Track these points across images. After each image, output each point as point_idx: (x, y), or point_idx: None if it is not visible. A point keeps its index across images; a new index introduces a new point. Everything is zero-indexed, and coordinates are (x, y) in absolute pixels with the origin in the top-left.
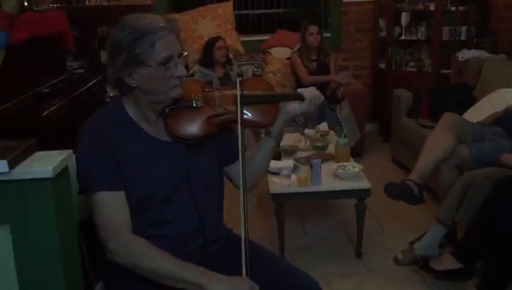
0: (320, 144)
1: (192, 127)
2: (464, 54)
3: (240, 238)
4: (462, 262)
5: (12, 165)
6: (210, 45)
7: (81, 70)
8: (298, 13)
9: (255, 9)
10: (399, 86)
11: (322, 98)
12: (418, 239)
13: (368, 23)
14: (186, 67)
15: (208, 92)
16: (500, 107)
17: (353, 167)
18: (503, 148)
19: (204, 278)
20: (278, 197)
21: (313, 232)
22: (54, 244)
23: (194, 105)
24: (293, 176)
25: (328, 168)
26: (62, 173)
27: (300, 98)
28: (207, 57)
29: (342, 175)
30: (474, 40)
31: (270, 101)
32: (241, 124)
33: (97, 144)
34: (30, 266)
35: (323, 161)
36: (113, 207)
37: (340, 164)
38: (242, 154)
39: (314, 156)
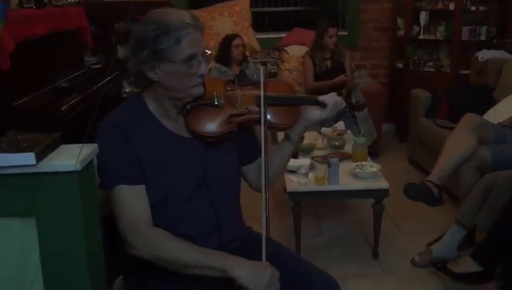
0: (337, 143)
1: (213, 125)
2: (484, 55)
3: (259, 235)
4: (482, 265)
5: (39, 158)
6: (227, 43)
7: (99, 66)
8: (315, 11)
9: (271, 6)
10: (417, 85)
11: (344, 105)
12: (436, 241)
13: (385, 22)
14: None
15: (230, 91)
16: None
17: (371, 166)
18: None
19: (228, 263)
20: (295, 196)
21: (329, 232)
22: (79, 238)
23: (216, 103)
24: (310, 175)
25: (345, 167)
26: (88, 166)
27: (322, 104)
28: (224, 54)
29: (359, 175)
30: (495, 41)
31: (291, 104)
32: (264, 124)
33: (117, 138)
34: (54, 259)
35: (340, 160)
36: (133, 201)
37: (357, 163)
38: (265, 153)
39: (332, 155)
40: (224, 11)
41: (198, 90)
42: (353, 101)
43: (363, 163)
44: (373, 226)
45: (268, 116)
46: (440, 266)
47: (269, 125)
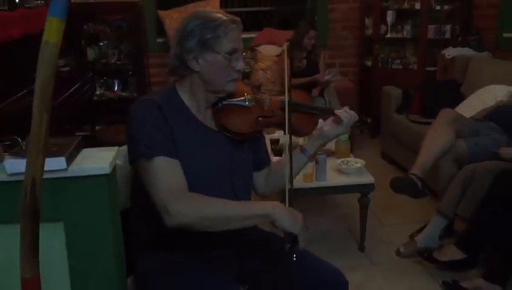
0: None
1: (243, 124)
2: (450, 52)
3: (268, 233)
4: (466, 253)
5: (69, 162)
6: None
7: (67, 68)
8: (285, 11)
9: (241, 7)
10: (385, 83)
11: (357, 118)
12: (418, 232)
13: (353, 21)
14: None
15: (258, 94)
16: (489, 103)
17: (356, 162)
18: (498, 141)
19: (269, 208)
20: (284, 195)
21: (315, 227)
22: (108, 242)
23: (246, 103)
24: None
25: (330, 164)
26: (113, 169)
27: (333, 114)
28: None
29: (345, 170)
30: (459, 38)
31: (311, 113)
32: (289, 124)
33: (157, 115)
34: (83, 262)
35: None
36: (173, 170)
37: (342, 159)
38: (290, 153)
39: (319, 153)
40: None
41: (233, 86)
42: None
43: (348, 159)
44: (359, 220)
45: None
46: (426, 255)
47: (293, 130)
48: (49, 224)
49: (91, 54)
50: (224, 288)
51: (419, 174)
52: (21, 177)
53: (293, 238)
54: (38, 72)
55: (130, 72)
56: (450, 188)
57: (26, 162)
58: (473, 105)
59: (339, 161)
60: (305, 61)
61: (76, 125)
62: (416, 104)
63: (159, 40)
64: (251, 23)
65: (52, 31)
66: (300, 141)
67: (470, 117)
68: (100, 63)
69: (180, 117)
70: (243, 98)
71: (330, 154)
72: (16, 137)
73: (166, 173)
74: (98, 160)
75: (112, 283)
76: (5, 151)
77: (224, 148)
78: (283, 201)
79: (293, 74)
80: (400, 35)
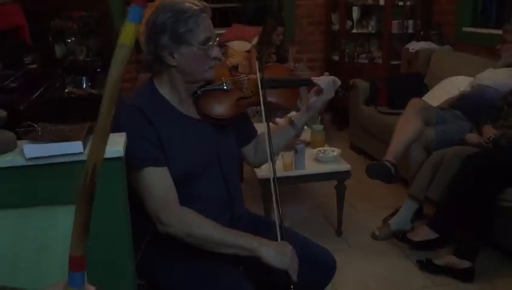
0: None
1: (224, 108)
2: (414, 46)
3: (256, 216)
4: (437, 232)
5: (85, 146)
6: None
7: (35, 66)
8: (252, 7)
9: (209, 2)
10: (352, 76)
11: (339, 82)
12: (391, 216)
13: (319, 17)
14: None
15: (236, 76)
16: (453, 92)
17: (332, 151)
18: (463, 128)
19: (255, 243)
20: (265, 182)
21: (292, 216)
22: (123, 224)
23: (225, 87)
24: (278, 162)
25: (307, 153)
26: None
27: (312, 83)
28: None
29: (323, 159)
30: (422, 33)
31: (290, 86)
32: (264, 104)
33: (140, 122)
34: (99, 245)
35: None
36: (161, 181)
37: (319, 148)
38: (269, 136)
39: (298, 142)
40: None
41: (211, 73)
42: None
43: (324, 148)
44: (336, 206)
45: (271, 99)
46: (400, 236)
47: (273, 106)
48: (66, 206)
49: (59, 51)
50: (221, 270)
51: (393, 161)
52: (38, 162)
53: (283, 272)
54: (111, 70)
55: (99, 69)
56: (420, 173)
57: (90, 149)
58: (437, 95)
59: (315, 150)
60: (274, 57)
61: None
62: (383, 96)
63: None
64: (220, 19)
65: (128, 35)
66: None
67: (436, 106)
68: (68, 60)
69: (163, 115)
70: (220, 82)
71: (306, 144)
72: (30, 123)
73: (156, 184)
74: (111, 144)
75: (125, 259)
76: (19, 138)
77: (209, 134)
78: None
79: None
80: (365, 31)
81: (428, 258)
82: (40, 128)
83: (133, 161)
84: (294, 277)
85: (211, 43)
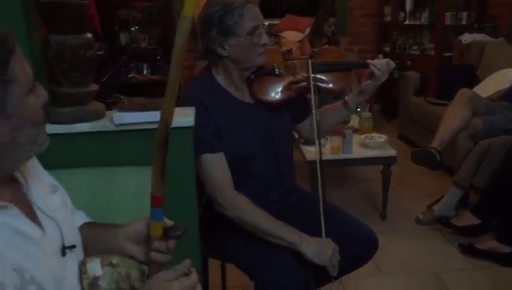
0: None
1: (276, 93)
2: (467, 38)
3: (309, 194)
4: (480, 218)
5: None
6: None
7: (101, 52)
8: None
9: None
10: (403, 68)
11: (393, 64)
12: (435, 203)
13: (371, 9)
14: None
15: (288, 61)
16: (504, 84)
17: (379, 137)
18: (511, 119)
19: (298, 239)
20: (313, 164)
21: (339, 198)
22: (191, 184)
23: (277, 72)
24: (326, 146)
25: (354, 139)
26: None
27: (365, 64)
28: None
29: (370, 144)
30: (475, 25)
31: (342, 69)
32: (313, 88)
33: (199, 112)
34: (170, 206)
35: None
36: (217, 167)
37: (366, 134)
38: (316, 121)
39: (347, 127)
40: None
41: (262, 59)
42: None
43: (372, 134)
44: (382, 190)
45: (323, 81)
46: (444, 221)
47: (324, 90)
48: (141, 167)
49: (123, 39)
50: (277, 252)
51: (438, 148)
52: (125, 128)
53: (323, 268)
54: (176, 39)
55: (159, 57)
56: (467, 161)
57: (162, 108)
58: (488, 86)
59: (363, 136)
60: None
61: None
62: (434, 87)
63: None
64: (274, 9)
65: (190, 7)
66: None
67: (486, 97)
68: (131, 47)
69: (220, 102)
70: (272, 67)
71: (353, 130)
72: (118, 95)
73: (213, 170)
74: (183, 115)
75: (192, 214)
76: (107, 109)
77: (263, 117)
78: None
79: None
80: (417, 22)
81: (470, 242)
82: (126, 100)
83: (194, 149)
84: (333, 273)
85: (258, 31)
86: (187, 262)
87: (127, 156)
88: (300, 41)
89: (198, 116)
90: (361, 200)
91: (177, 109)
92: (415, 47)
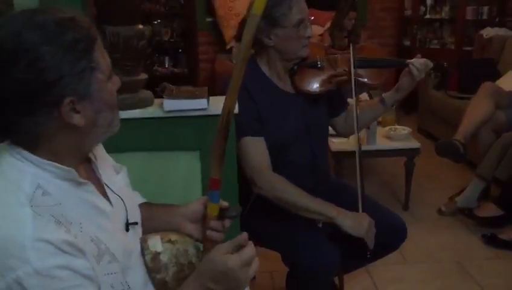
0: None
1: (316, 84)
2: (488, 32)
3: (342, 183)
4: (503, 209)
5: (208, 102)
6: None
7: None
8: None
9: None
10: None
11: (431, 65)
12: (457, 194)
13: (392, 3)
14: (225, 42)
15: (330, 54)
16: None
17: (403, 129)
18: None
19: (335, 212)
20: (337, 155)
21: None
22: (232, 165)
23: (319, 65)
24: (350, 137)
25: (378, 131)
26: None
27: (404, 63)
28: None
29: (393, 136)
30: (497, 19)
31: (382, 66)
32: (354, 83)
33: (243, 96)
34: None
35: None
36: (257, 150)
37: (390, 126)
38: (356, 109)
39: None
40: None
41: (305, 51)
42: (438, 63)
43: (395, 126)
44: (405, 182)
45: (363, 77)
46: (466, 212)
47: (363, 84)
48: (188, 152)
49: (146, 32)
50: (309, 231)
51: (462, 140)
52: (174, 114)
53: (360, 240)
54: (244, 34)
55: (180, 50)
56: (489, 153)
57: (226, 98)
58: (510, 80)
59: (387, 128)
60: (346, 41)
61: None
62: (454, 81)
63: (208, 19)
64: None
65: (259, 5)
66: None
67: (509, 91)
68: (154, 40)
69: (263, 90)
70: (315, 60)
71: (377, 123)
72: (167, 84)
73: (253, 153)
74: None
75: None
76: (155, 97)
77: (302, 108)
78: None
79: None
80: (438, 16)
81: (493, 233)
82: (174, 88)
83: (235, 131)
84: (371, 245)
85: (304, 24)
86: (244, 235)
87: (175, 142)
88: (320, 35)
89: (241, 101)
90: (383, 192)
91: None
92: (435, 41)
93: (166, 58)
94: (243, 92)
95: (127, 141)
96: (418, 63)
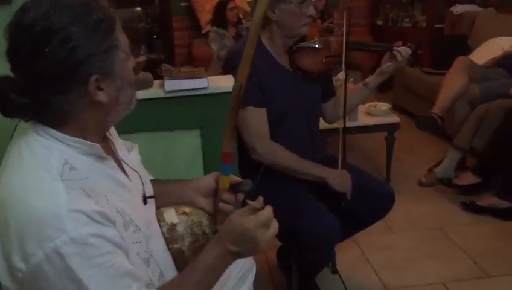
0: None
1: (313, 63)
2: (458, 9)
3: (332, 156)
4: (481, 177)
5: (208, 82)
6: (222, 6)
7: None
8: None
9: None
10: (396, 40)
11: (410, 51)
12: (435, 166)
13: None
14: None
15: (326, 36)
16: (496, 52)
17: (383, 105)
18: (506, 85)
19: (326, 173)
20: (322, 132)
21: None
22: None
23: (316, 46)
24: None
25: (359, 108)
26: None
27: (390, 48)
28: (220, 17)
29: (374, 112)
30: None
31: (370, 50)
32: (345, 64)
33: (251, 67)
34: (213, 161)
35: None
36: (259, 120)
37: (370, 103)
38: (345, 91)
39: None
40: None
41: (305, 30)
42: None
43: (375, 103)
44: (386, 156)
45: (352, 59)
46: (446, 182)
47: (353, 66)
48: (190, 131)
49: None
50: (310, 201)
51: (440, 114)
52: (175, 94)
53: (341, 194)
54: (255, 12)
55: (155, 36)
56: (465, 124)
57: (238, 72)
58: (481, 55)
59: (367, 104)
60: (319, 22)
61: None
62: (428, 57)
63: (182, 4)
64: None
65: None
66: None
67: (481, 65)
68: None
69: (266, 63)
70: (314, 41)
71: None
72: (168, 65)
73: (255, 122)
74: (227, 81)
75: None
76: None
77: (300, 85)
78: None
79: None
80: None
81: (471, 200)
82: (173, 69)
83: None
84: (349, 196)
85: (307, 2)
86: (260, 199)
87: (176, 121)
88: None
89: None
90: (366, 166)
91: (222, 76)
92: (407, 20)
93: (142, 45)
94: None
95: (130, 122)
96: (403, 50)
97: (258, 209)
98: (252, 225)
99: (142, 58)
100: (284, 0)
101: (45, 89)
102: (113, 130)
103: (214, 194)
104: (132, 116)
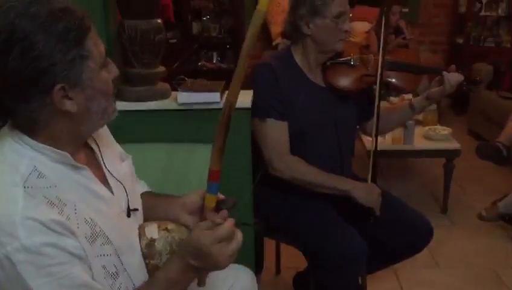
0: None
1: (348, 82)
2: None
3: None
4: None
5: (221, 97)
6: None
7: (174, 41)
8: None
9: None
10: (476, 61)
11: (462, 78)
12: (500, 200)
13: None
14: (271, 38)
15: (364, 54)
16: None
17: (443, 129)
18: None
19: (349, 186)
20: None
21: (398, 191)
22: (247, 160)
23: (352, 63)
24: (387, 136)
25: (418, 131)
26: None
27: (439, 72)
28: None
29: (432, 136)
30: None
31: (414, 71)
32: (380, 83)
33: (273, 80)
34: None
35: None
36: (279, 133)
37: (430, 127)
38: (377, 111)
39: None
40: None
41: (341, 45)
42: (469, 75)
43: (435, 127)
44: (443, 184)
45: (393, 80)
46: (508, 218)
47: (393, 87)
48: (200, 144)
49: (195, 28)
50: (324, 211)
51: (505, 143)
52: (188, 107)
53: (369, 209)
54: (249, 30)
55: (228, 46)
56: None
57: (228, 91)
58: None
59: (427, 128)
60: (393, 37)
61: None
62: (508, 80)
63: None
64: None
65: (264, 2)
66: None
67: None
68: (203, 36)
69: (292, 77)
70: (349, 57)
71: (418, 123)
72: (183, 76)
73: (275, 136)
74: (244, 97)
75: (247, 190)
76: (173, 90)
77: (330, 102)
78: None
79: None
80: (494, 13)
81: None
82: (189, 81)
83: (259, 110)
84: (377, 212)
85: (343, 17)
86: (223, 213)
87: (188, 134)
88: (366, 32)
89: (267, 82)
90: (421, 193)
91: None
92: (490, 39)
93: (214, 54)
94: (270, 73)
95: (143, 132)
96: (452, 77)
97: (219, 224)
98: (207, 241)
99: (161, 69)
100: (318, 14)
101: (8, 97)
102: (105, 139)
103: (200, 211)
104: (146, 126)
